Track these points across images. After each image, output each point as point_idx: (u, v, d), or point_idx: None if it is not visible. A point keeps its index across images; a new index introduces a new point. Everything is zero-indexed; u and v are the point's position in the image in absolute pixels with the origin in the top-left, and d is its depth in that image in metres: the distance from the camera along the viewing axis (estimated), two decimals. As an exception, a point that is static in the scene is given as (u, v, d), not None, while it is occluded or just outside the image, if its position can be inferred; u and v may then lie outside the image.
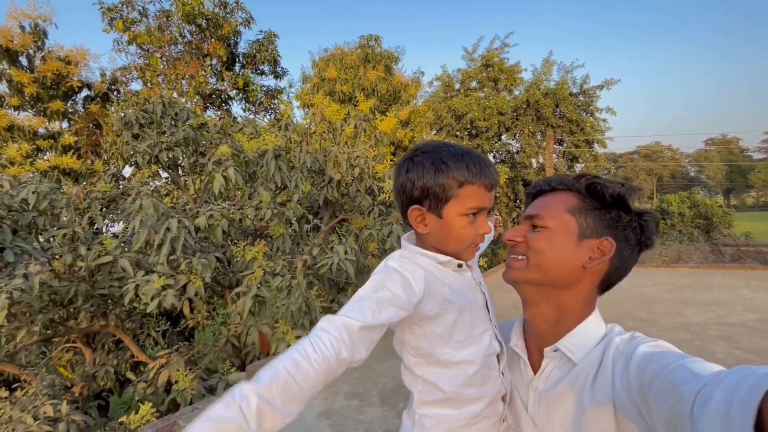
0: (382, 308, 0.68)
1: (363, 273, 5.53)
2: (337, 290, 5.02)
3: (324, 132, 4.94)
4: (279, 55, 9.19)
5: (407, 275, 0.71)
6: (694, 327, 4.13)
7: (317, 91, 8.07)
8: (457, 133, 14.35)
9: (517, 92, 14.36)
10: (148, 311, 3.52)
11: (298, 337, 3.68)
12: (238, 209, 4.37)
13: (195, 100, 8.26)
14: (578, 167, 14.22)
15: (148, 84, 8.26)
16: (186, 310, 4.27)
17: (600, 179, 0.70)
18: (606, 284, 0.70)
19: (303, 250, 4.50)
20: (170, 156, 4.64)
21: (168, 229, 3.43)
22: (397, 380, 3.35)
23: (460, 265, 0.81)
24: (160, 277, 3.54)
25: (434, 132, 13.03)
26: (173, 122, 4.72)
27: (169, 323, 5.56)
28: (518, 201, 14.42)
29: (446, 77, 15.08)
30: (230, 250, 4.53)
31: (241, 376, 3.64)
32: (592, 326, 0.68)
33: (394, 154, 8.21)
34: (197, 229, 4.07)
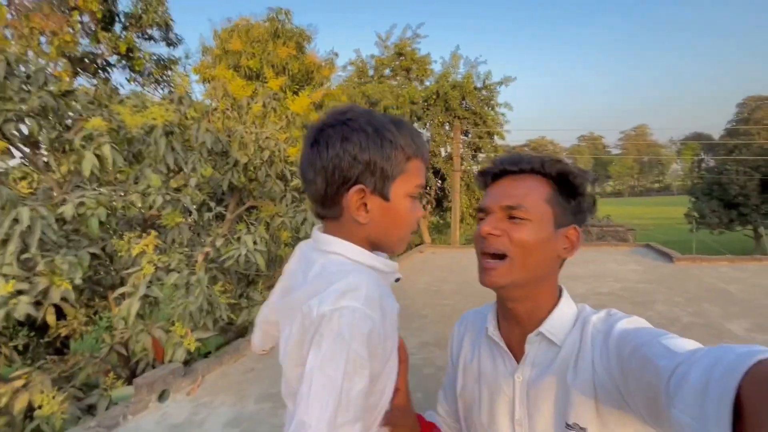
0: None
1: (276, 264, 5.19)
2: (246, 283, 4.61)
3: (227, 109, 4.42)
4: (172, 19, 8.02)
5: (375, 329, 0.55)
6: (578, 298, 4.77)
7: (219, 64, 7.24)
8: (371, 119, 14.38)
9: (427, 83, 14.86)
10: (-9, 325, 2.77)
11: (198, 340, 3.27)
12: (120, 196, 3.68)
13: (60, 63, 6.79)
14: (481, 156, 15.37)
15: (-11, 38, 6.51)
16: (51, 320, 3.51)
17: (568, 167, 0.67)
18: (562, 262, 0.71)
19: (204, 241, 4.00)
20: (19, 129, 3.69)
21: (16, 220, 2.72)
22: (313, 375, 3.19)
23: (397, 280, 0.68)
24: (7, 281, 2.80)
25: (349, 117, 12.88)
26: (24, 87, 3.75)
27: (33, 334, 4.55)
28: (427, 188, 15.09)
29: (360, 62, 14.93)
30: (111, 244, 3.82)
31: (129, 391, 3.11)
32: (567, 306, 0.68)
33: (307, 138, 7.85)
34: (63, 221, 3.33)
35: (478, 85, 13.98)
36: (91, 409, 3.34)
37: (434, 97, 13.82)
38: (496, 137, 14.52)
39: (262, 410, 2.69)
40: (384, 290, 0.61)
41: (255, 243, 3.73)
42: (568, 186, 0.67)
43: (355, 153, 0.59)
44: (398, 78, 15.00)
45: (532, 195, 0.65)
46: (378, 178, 0.60)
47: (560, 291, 0.70)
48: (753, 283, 5.42)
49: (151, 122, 3.43)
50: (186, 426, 2.56)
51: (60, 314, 4.01)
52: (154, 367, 3.60)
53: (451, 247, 11.27)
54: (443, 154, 14.92)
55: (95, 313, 4.75)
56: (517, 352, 0.68)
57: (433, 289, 5.76)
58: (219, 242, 3.88)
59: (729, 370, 0.37)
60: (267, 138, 4.29)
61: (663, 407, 0.45)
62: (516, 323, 0.69)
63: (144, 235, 3.62)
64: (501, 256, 0.64)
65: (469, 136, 14.52)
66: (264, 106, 4.74)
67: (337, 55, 9.45)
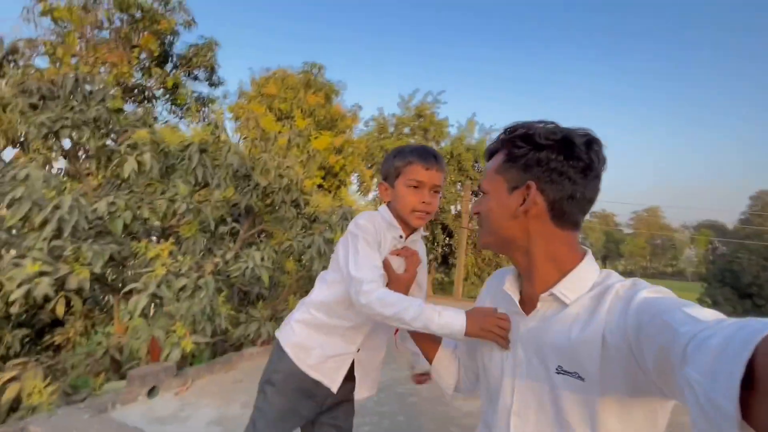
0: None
1: (277, 288, 5.33)
2: (248, 301, 4.74)
3: (256, 139, 4.88)
4: (218, 64, 8.98)
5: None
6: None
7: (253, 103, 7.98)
8: (387, 172, 15.08)
9: (443, 144, 15.70)
10: (10, 301, 2.97)
11: (195, 344, 3.38)
12: (148, 203, 4.02)
13: (114, 90, 7.59)
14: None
15: (58, 64, 7.40)
16: (60, 310, 3.68)
17: (506, 133, 0.74)
18: (561, 216, 0.69)
19: (216, 254, 4.24)
20: (73, 136, 4.16)
21: (57, 207, 3.02)
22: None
23: (400, 236, 1.16)
24: (34, 262, 3.04)
25: (367, 166, 13.49)
26: (85, 101, 4.28)
27: (28, 339, 4.63)
28: (435, 243, 15.28)
29: (382, 119, 15.96)
30: (129, 248, 4.08)
31: (120, 385, 3.17)
32: (586, 270, 0.70)
33: (324, 178, 8.30)
34: (94, 217, 3.63)
35: (491, 149, 14.75)
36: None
37: (448, 157, 14.53)
38: (505, 200, 14.96)
39: (245, 414, 2.72)
40: (379, 220, 1.15)
41: (262, 259, 3.95)
42: (511, 148, 0.73)
43: (384, 166, 1.19)
44: (416, 137, 15.90)
45: (488, 171, 0.78)
46: (390, 177, 1.16)
47: (583, 256, 0.72)
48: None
49: (189, 140, 3.85)
50: (170, 420, 2.61)
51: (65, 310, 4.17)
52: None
53: (454, 298, 11.18)
54: (453, 211, 15.30)
55: (93, 326, 4.86)
56: (530, 308, 0.74)
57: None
58: (229, 255, 4.11)
59: (750, 334, 0.37)
60: (288, 167, 4.67)
61: (675, 368, 0.45)
62: (528, 281, 0.75)
63: (162, 241, 3.89)
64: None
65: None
66: (289, 141, 5.21)
67: (360, 107, 10.27)
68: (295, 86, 8.26)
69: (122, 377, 3.95)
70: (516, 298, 0.76)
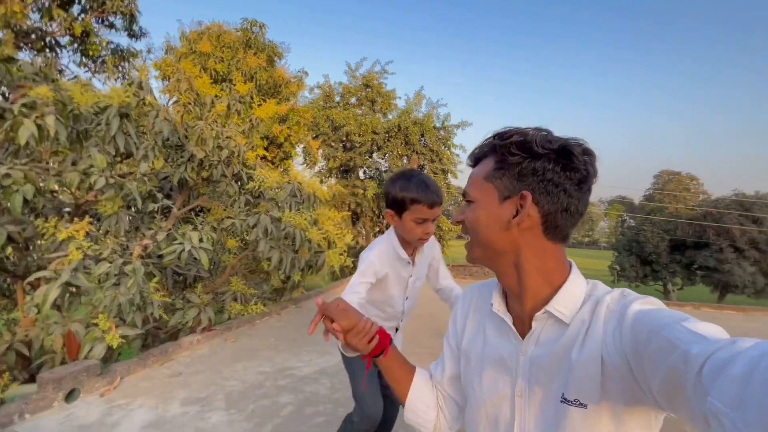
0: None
1: (218, 270, 4.95)
2: (183, 285, 4.33)
3: (190, 103, 4.31)
4: (138, 10, 7.77)
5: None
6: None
7: (185, 61, 7.06)
8: (332, 143, 14.55)
9: (390, 116, 15.47)
10: None
11: (124, 337, 3.00)
12: (54, 175, 3.39)
13: (1, 32, 6.24)
14: (434, 192, 16.02)
15: None
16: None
17: (497, 139, 0.68)
18: (554, 229, 0.66)
19: (144, 234, 3.75)
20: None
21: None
22: (247, 383, 3.02)
23: (408, 262, 1.55)
24: None
25: (312, 136, 12.89)
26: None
27: None
28: (381, 217, 15.34)
29: (327, 87, 15.24)
30: (33, 228, 3.46)
31: (29, 390, 2.73)
32: (577, 284, 0.66)
33: (267, 149, 7.75)
34: (-19, 191, 2.99)
35: (437, 125, 14.81)
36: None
37: (396, 130, 14.38)
38: (449, 175, 15.27)
39: (186, 414, 2.49)
40: (389, 254, 1.52)
41: (201, 240, 3.57)
42: (502, 155, 0.67)
43: (391, 193, 1.42)
44: (363, 108, 15.47)
45: (474, 177, 0.71)
46: (397, 208, 1.42)
47: (570, 268, 0.69)
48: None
49: (105, 101, 3.25)
50: (95, 427, 2.29)
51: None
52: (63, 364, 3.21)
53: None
54: (399, 185, 15.38)
55: (-6, 312, 4.18)
56: (521, 328, 0.69)
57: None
58: (161, 237, 3.67)
59: None
60: (228, 137, 4.22)
61: (689, 394, 0.44)
62: (517, 299, 0.69)
63: (76, 220, 3.33)
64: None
65: (425, 170, 15.14)
66: (228, 107, 4.68)
67: (307, 74, 9.58)
68: (233, 45, 7.42)
69: (32, 379, 3.44)
70: (509, 320, 0.71)
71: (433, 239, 1.61)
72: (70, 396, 2.59)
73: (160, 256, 3.69)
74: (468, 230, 0.72)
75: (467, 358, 0.78)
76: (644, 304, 0.58)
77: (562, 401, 0.62)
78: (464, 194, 0.73)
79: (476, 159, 0.74)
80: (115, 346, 2.88)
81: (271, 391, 2.90)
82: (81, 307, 3.27)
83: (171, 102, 4.73)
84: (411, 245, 1.52)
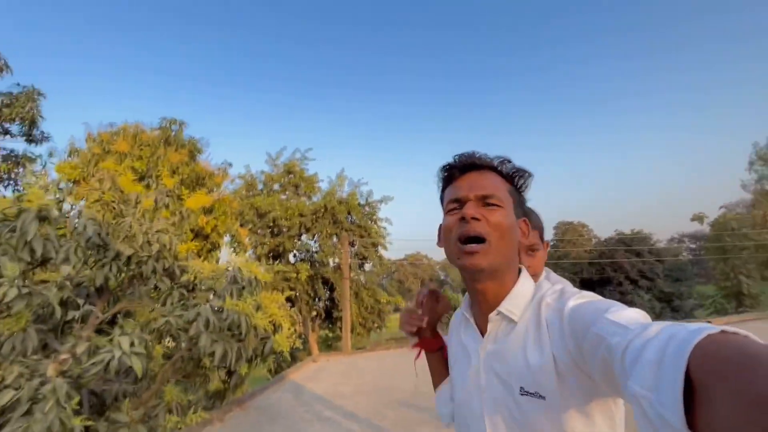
0: None
1: (148, 380, 4.37)
2: (101, 403, 3.70)
3: (114, 201, 4.14)
4: (41, 115, 7.45)
5: None
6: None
7: (95, 164, 6.77)
8: (259, 230, 14.34)
9: (315, 199, 15.95)
10: None
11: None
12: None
13: None
14: (367, 266, 16.23)
15: None
16: None
17: (517, 167, 0.78)
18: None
19: (59, 348, 3.28)
20: None
21: None
22: None
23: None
24: None
25: (239, 224, 12.58)
26: None
27: None
28: (317, 299, 14.90)
29: (249, 177, 15.43)
30: None
31: None
32: (524, 285, 0.73)
33: (193, 241, 7.42)
34: None
35: (362, 201, 15.60)
36: None
37: (322, 210, 14.78)
38: (380, 248, 15.76)
39: None
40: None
41: (132, 344, 3.22)
42: (518, 183, 0.78)
43: None
44: (287, 193, 15.79)
45: (500, 186, 0.75)
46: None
47: (519, 271, 0.75)
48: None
49: (19, 206, 3.03)
50: None
51: None
52: None
53: (343, 353, 10.86)
54: (331, 264, 15.35)
55: None
56: (485, 329, 0.75)
57: (330, 393, 5.44)
58: (81, 348, 3.23)
59: (681, 343, 0.39)
60: (158, 231, 4.07)
61: (619, 381, 0.47)
62: (484, 303, 0.75)
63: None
64: (480, 240, 0.70)
65: (355, 246, 15.47)
66: (156, 202, 4.58)
67: (231, 165, 9.72)
68: (153, 143, 7.39)
69: None
70: (473, 320, 0.79)
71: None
72: None
73: (77, 375, 3.21)
74: (490, 231, 0.70)
75: (454, 359, 0.86)
76: (578, 299, 0.63)
77: (522, 394, 0.66)
78: (487, 196, 0.72)
79: (475, 166, 0.77)
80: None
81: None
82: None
83: (86, 203, 4.48)
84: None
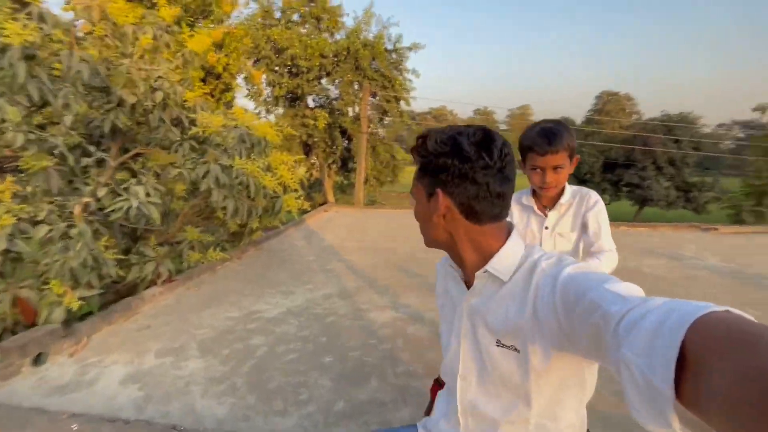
0: None
1: (170, 218, 4.80)
2: (134, 238, 4.20)
3: (107, 36, 3.75)
4: None
5: None
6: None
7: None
8: (276, 68, 13.41)
9: (338, 36, 14.31)
10: None
11: (81, 299, 2.97)
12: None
13: None
14: (387, 120, 15.71)
15: None
16: None
17: (418, 141, 0.77)
18: (474, 214, 0.73)
19: (82, 190, 3.51)
20: None
21: None
22: (218, 329, 3.19)
23: (534, 210, 1.64)
24: None
25: (252, 61, 11.73)
26: None
27: None
28: (334, 147, 14.97)
29: (265, 2, 13.56)
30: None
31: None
32: (514, 247, 0.74)
33: (204, 80, 7.06)
34: None
35: (389, 47, 13.99)
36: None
37: (345, 53, 13.45)
38: (402, 102, 14.90)
39: (163, 364, 2.64)
40: (516, 199, 1.62)
41: (148, 194, 3.41)
42: (418, 157, 0.79)
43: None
44: (307, 26, 14.10)
45: (414, 177, 0.82)
46: (521, 156, 1.51)
47: (507, 237, 0.76)
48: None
49: (3, 40, 2.76)
50: (73, 387, 2.39)
51: None
52: (14, 333, 3.15)
53: (354, 207, 11.60)
54: (350, 113, 14.84)
55: None
56: (470, 283, 0.79)
57: (336, 246, 6.01)
58: (101, 192, 3.45)
59: (683, 316, 0.39)
60: (160, 78, 3.80)
61: (608, 347, 0.49)
62: (462, 267, 0.82)
63: (-4, 179, 3.01)
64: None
65: (377, 98, 14.64)
66: (155, 39, 4.13)
67: (240, -12, 8.42)
68: (147, -48, 6.23)
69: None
70: (459, 273, 0.83)
71: (594, 197, 1.52)
72: (38, 359, 2.62)
73: (104, 213, 3.51)
74: (418, 221, 0.83)
75: (441, 302, 0.92)
76: (576, 268, 0.64)
77: (498, 345, 0.73)
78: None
79: (414, 158, 0.81)
80: (75, 309, 2.86)
81: (242, 334, 3.10)
82: (25, 272, 3.13)
83: (81, 31, 4.07)
84: (545, 196, 1.53)
